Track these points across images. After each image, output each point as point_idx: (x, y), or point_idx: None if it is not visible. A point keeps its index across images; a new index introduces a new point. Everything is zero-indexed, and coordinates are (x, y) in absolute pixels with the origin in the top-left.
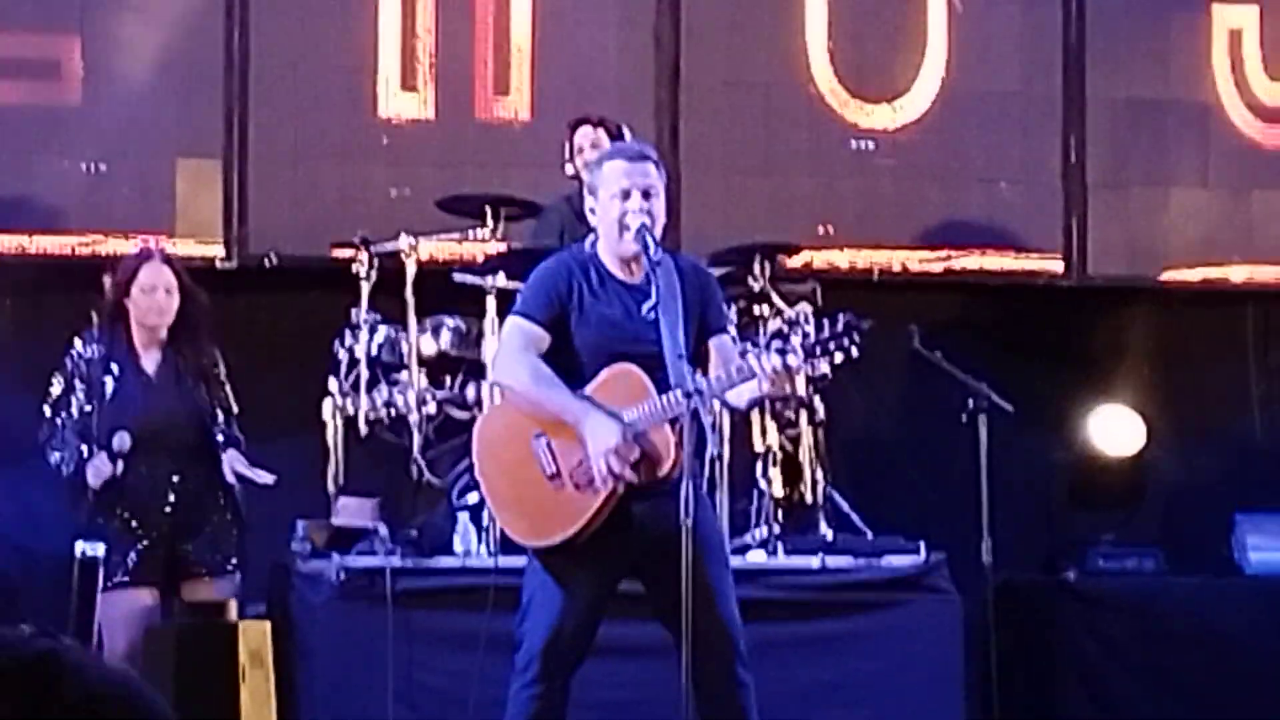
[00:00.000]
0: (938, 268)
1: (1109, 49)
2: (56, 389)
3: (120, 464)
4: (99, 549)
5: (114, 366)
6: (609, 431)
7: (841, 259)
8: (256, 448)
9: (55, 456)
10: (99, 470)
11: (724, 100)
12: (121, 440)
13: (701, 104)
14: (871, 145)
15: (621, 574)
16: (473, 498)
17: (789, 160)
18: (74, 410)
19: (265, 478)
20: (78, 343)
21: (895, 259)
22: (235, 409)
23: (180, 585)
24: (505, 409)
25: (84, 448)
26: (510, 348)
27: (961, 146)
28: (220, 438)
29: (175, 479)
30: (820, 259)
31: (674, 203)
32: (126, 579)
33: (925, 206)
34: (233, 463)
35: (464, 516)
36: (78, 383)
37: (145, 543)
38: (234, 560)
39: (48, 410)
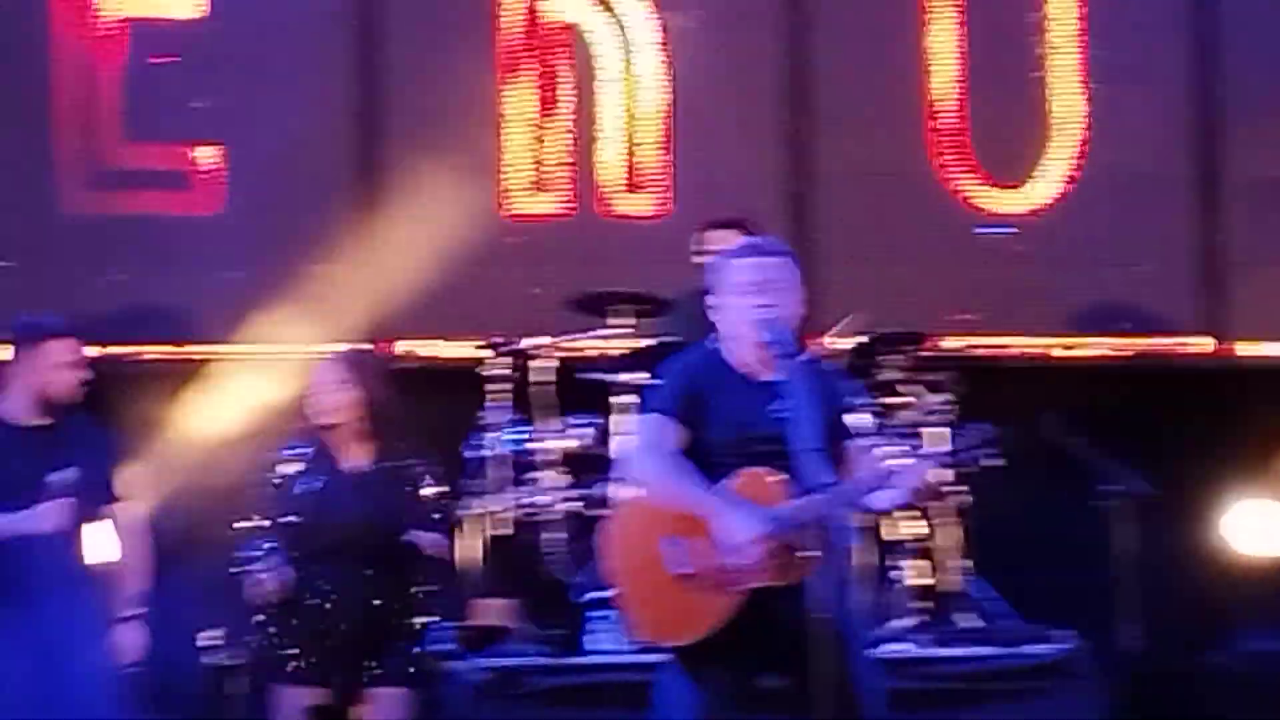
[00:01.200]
0: (1076, 352)
1: (1244, 127)
2: (252, 491)
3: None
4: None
5: (312, 471)
6: (743, 528)
7: (978, 346)
8: None
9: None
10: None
11: (855, 190)
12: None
13: (833, 194)
14: (1005, 230)
15: (757, 671)
16: (602, 598)
17: (922, 248)
18: (274, 518)
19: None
20: (278, 451)
21: (1033, 345)
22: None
23: (358, 691)
24: (634, 508)
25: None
26: (644, 443)
27: (1096, 229)
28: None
29: (367, 582)
30: (956, 346)
31: (809, 293)
32: (303, 677)
33: (1062, 291)
34: (426, 541)
35: (600, 615)
36: (276, 488)
37: (329, 642)
38: (409, 667)
39: (249, 513)
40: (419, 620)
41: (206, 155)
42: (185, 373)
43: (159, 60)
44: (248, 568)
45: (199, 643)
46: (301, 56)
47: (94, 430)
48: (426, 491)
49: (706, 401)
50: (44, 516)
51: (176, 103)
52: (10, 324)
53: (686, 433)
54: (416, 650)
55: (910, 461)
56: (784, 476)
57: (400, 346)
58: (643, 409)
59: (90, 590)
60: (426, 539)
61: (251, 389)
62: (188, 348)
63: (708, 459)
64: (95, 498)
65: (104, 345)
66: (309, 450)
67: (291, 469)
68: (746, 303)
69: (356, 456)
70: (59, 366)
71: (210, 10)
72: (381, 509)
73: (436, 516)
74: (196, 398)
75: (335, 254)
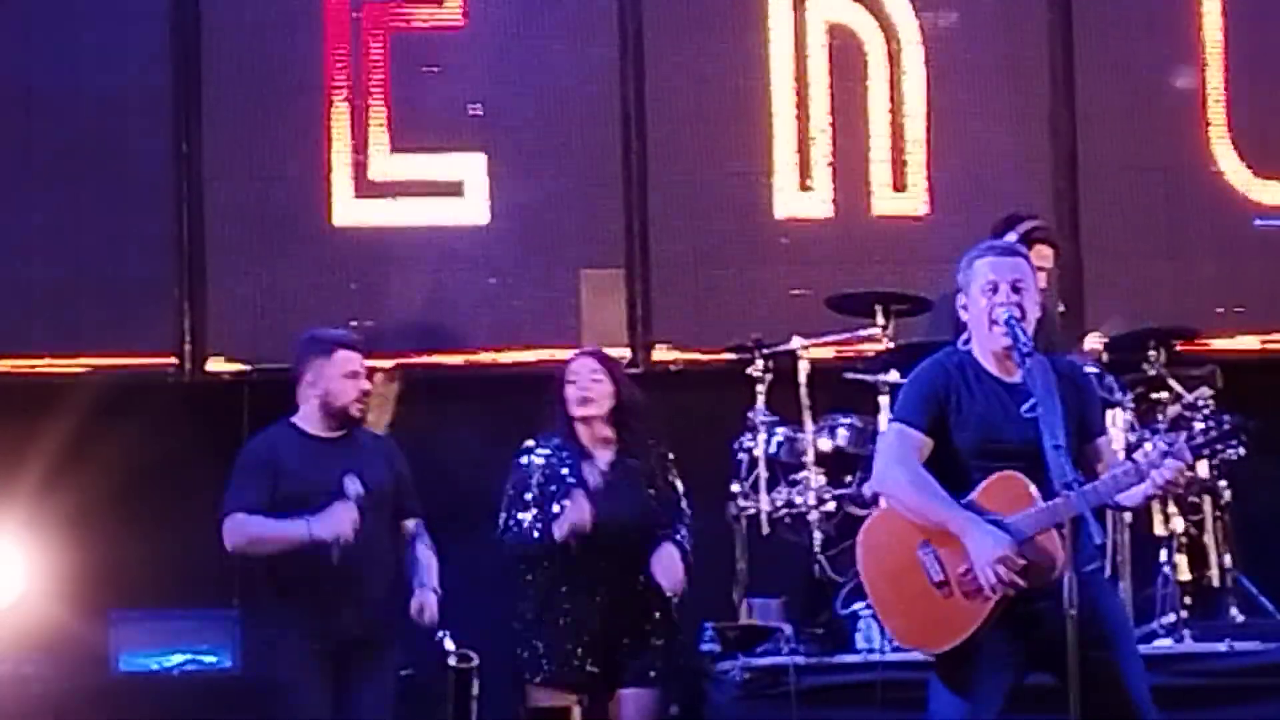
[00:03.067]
0: None
1: None
2: (512, 492)
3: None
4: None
5: (565, 469)
6: (994, 543)
7: (1245, 341)
8: None
9: (513, 536)
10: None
11: (1123, 185)
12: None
13: (1100, 190)
14: (1277, 223)
15: (1020, 674)
16: (859, 604)
17: (1191, 243)
18: (527, 512)
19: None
20: (530, 445)
21: None
22: (685, 504)
23: (609, 691)
24: (890, 515)
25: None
26: (891, 455)
27: None
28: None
29: (616, 581)
30: (1222, 342)
31: (1076, 289)
32: (551, 678)
33: None
34: (667, 555)
35: (864, 613)
36: (531, 485)
37: (573, 645)
38: (657, 668)
39: (503, 514)
40: (669, 619)
41: (472, 163)
42: (450, 382)
43: (426, 70)
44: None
45: (449, 644)
46: (564, 62)
47: (383, 440)
48: (670, 489)
49: (955, 404)
50: (335, 523)
51: (443, 112)
52: (297, 339)
53: (933, 440)
54: (667, 650)
55: (1162, 455)
56: (1029, 475)
57: (666, 347)
58: (892, 415)
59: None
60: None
61: (511, 396)
62: (452, 357)
63: (958, 461)
64: (388, 505)
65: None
66: (558, 446)
67: (540, 464)
68: (985, 299)
69: (603, 453)
70: (343, 378)
71: (471, 20)
72: (628, 506)
73: (681, 514)
74: (460, 406)
75: (603, 258)
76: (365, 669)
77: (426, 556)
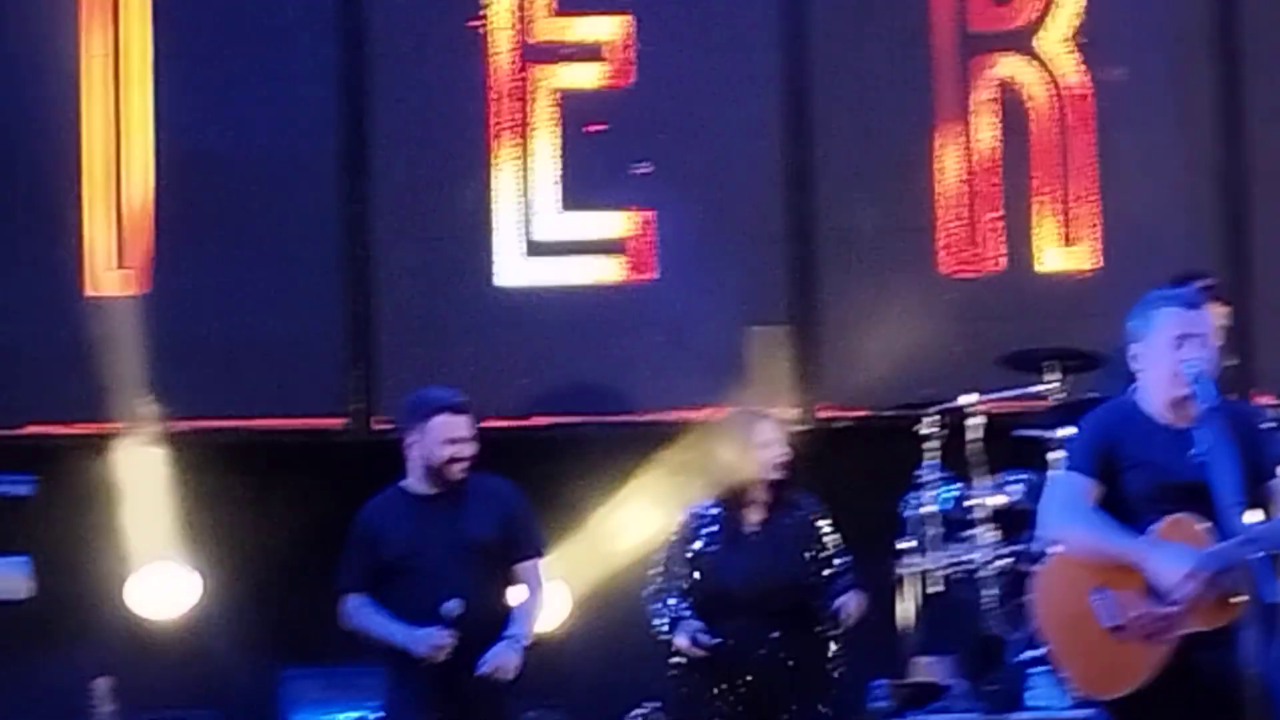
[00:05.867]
0: None
1: None
2: (663, 552)
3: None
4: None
5: (716, 528)
6: (1178, 559)
7: None
8: None
9: (656, 617)
10: (691, 636)
11: None
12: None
13: (1272, 244)
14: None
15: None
16: (1038, 653)
17: None
18: (677, 572)
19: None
20: (690, 509)
21: None
22: (842, 557)
23: None
24: (1061, 563)
25: (682, 608)
26: (1060, 499)
27: None
28: (838, 588)
29: (773, 641)
30: None
31: (1246, 344)
32: None
33: None
34: (846, 605)
35: (1038, 669)
36: (687, 544)
37: (740, 700)
38: None
39: (658, 573)
40: (830, 677)
41: (639, 222)
42: (615, 441)
43: (592, 129)
44: (660, 629)
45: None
46: (730, 119)
47: (500, 484)
48: (827, 547)
49: (1124, 452)
50: (428, 647)
51: (609, 170)
52: (405, 398)
53: (1102, 487)
54: (828, 709)
55: None
56: (1207, 523)
57: (833, 404)
58: (1063, 465)
59: None
60: (846, 602)
61: (672, 453)
62: (620, 416)
63: (1127, 509)
64: (496, 554)
65: (535, 417)
66: (716, 509)
67: (699, 528)
68: (1170, 355)
69: (761, 514)
70: (443, 443)
71: (638, 77)
72: (786, 566)
73: (839, 573)
74: (625, 466)
75: (768, 316)
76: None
77: (525, 606)
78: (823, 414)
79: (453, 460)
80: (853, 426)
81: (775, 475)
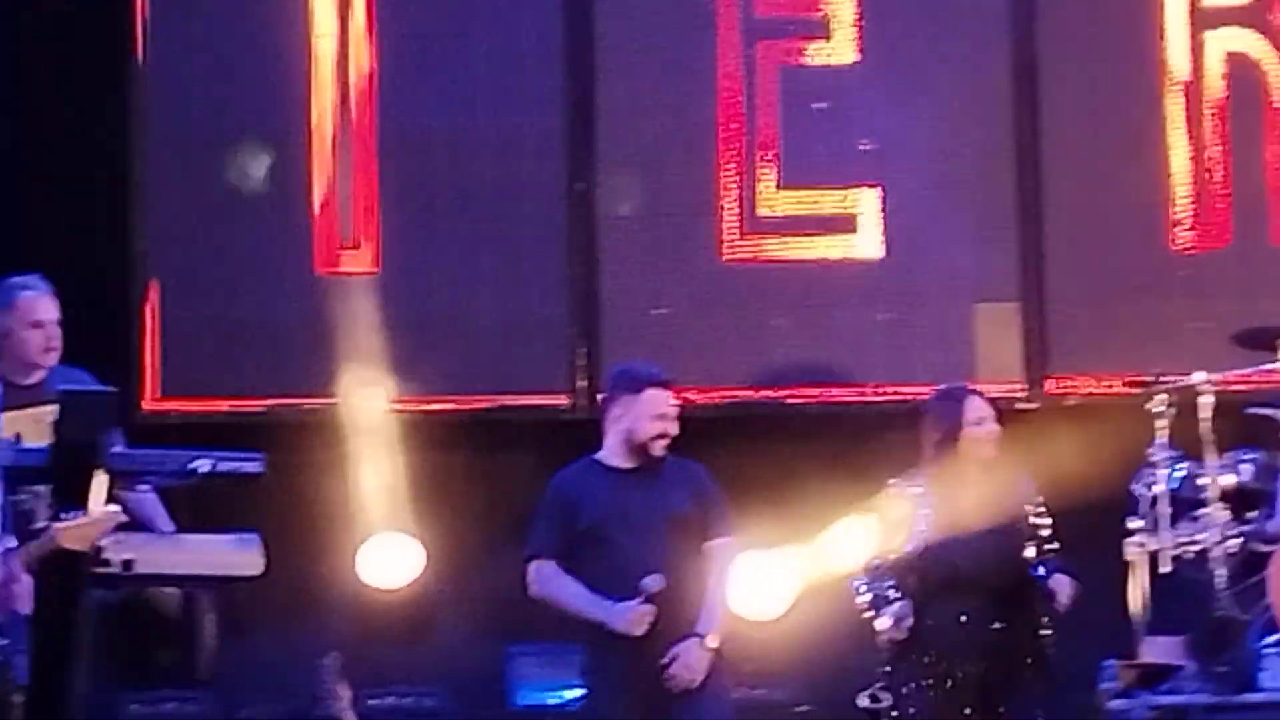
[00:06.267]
0: None
1: None
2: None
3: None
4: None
5: (929, 509)
6: None
7: None
8: None
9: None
10: (894, 617)
11: None
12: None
13: None
14: None
15: None
16: (1272, 634)
17: None
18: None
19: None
20: (895, 486)
21: None
22: (1052, 543)
23: None
24: None
25: (887, 588)
26: None
27: None
28: (1043, 571)
29: (989, 624)
30: None
31: None
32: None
33: None
34: (1057, 591)
35: (1271, 651)
36: (897, 523)
37: (949, 689)
38: (1044, 709)
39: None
40: (1046, 658)
41: (866, 199)
42: (843, 418)
43: (817, 106)
44: (871, 608)
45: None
46: (958, 95)
47: (689, 466)
48: (1041, 529)
49: None
50: (628, 622)
51: (834, 147)
52: (611, 371)
53: None
54: (1045, 690)
55: None
56: None
57: (1062, 382)
58: None
59: None
60: (1059, 584)
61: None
62: (836, 390)
63: None
64: (695, 530)
65: (758, 390)
66: (922, 486)
67: (908, 505)
68: None
69: (972, 491)
70: (651, 418)
71: (864, 54)
72: (998, 545)
73: (1050, 551)
74: (850, 444)
75: (997, 292)
76: (691, 698)
77: (713, 593)
78: (1051, 392)
79: (660, 436)
80: (1082, 404)
81: (986, 453)
